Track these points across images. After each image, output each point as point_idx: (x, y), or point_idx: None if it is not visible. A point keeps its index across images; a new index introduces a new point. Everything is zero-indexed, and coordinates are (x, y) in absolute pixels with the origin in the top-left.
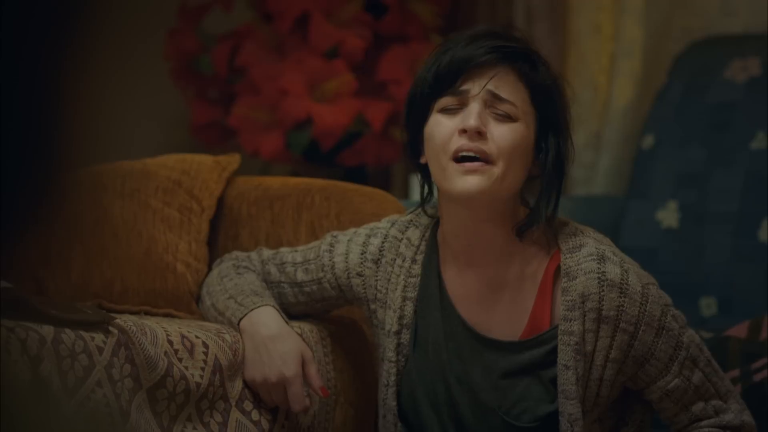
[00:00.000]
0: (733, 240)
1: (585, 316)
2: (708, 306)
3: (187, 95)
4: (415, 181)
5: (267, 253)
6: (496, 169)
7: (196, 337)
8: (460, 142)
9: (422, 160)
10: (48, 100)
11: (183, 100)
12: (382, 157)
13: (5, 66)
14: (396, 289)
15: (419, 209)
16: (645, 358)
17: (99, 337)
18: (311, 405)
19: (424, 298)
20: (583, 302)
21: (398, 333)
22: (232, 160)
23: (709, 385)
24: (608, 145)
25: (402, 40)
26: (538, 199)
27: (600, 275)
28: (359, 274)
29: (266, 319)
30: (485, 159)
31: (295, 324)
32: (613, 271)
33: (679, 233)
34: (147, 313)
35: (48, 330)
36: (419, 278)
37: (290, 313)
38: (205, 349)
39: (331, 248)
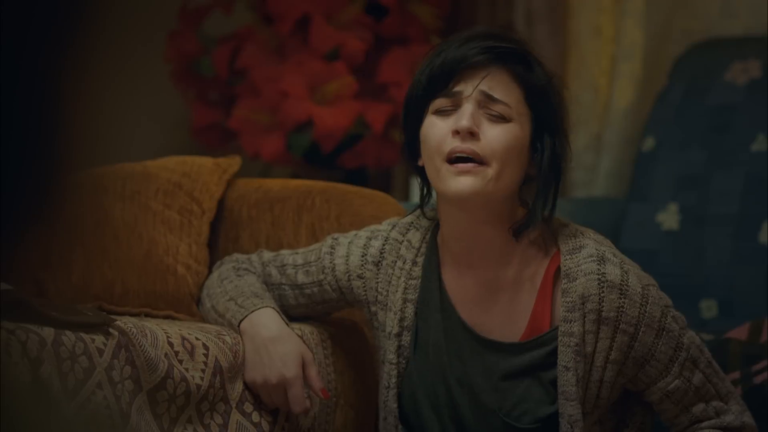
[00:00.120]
0: (734, 242)
1: (585, 317)
2: (708, 308)
3: (188, 97)
4: (416, 184)
5: (267, 255)
6: (490, 170)
7: (197, 338)
8: (453, 144)
9: (420, 163)
10: (49, 101)
11: (183, 102)
12: (383, 160)
13: (6, 67)
14: (397, 291)
15: (419, 211)
16: (645, 359)
17: (99, 339)
18: (312, 407)
19: (425, 300)
20: (583, 303)
21: (399, 335)
22: (233, 163)
23: (709, 386)
24: (609, 148)
25: (402, 42)
26: (534, 199)
27: (600, 276)
28: (360, 277)
29: (267, 321)
30: (478, 160)
31: (296, 326)
32: (613, 272)
33: (680, 235)
34: (147, 315)
35: (48, 332)
36: (420, 280)
37: (291, 315)
38: (205, 351)
39: (332, 250)
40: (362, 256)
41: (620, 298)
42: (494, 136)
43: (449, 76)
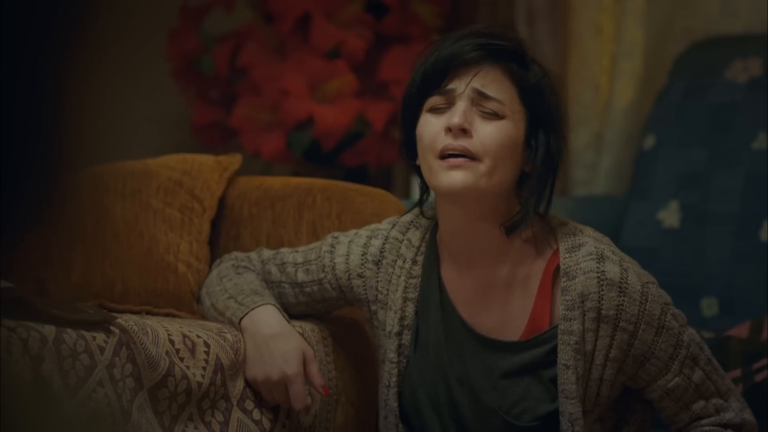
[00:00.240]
0: (734, 240)
1: (585, 315)
2: (709, 306)
3: (189, 96)
4: (417, 181)
5: (267, 253)
6: (482, 166)
7: (198, 336)
8: (445, 141)
9: (418, 162)
10: (49, 100)
11: (184, 101)
12: (384, 157)
13: (7, 66)
14: (397, 290)
15: (418, 210)
16: (645, 357)
17: (100, 336)
18: (312, 404)
19: (425, 299)
20: (582, 302)
21: (399, 334)
22: (234, 161)
23: (709, 383)
24: (609, 146)
25: (403, 40)
26: (528, 196)
27: (599, 274)
28: (360, 276)
29: (267, 318)
30: (470, 156)
31: (297, 323)
32: (612, 270)
33: (681, 233)
34: (148, 313)
35: (49, 330)
36: (420, 279)
37: (291, 313)
38: (206, 349)
39: (332, 249)
40: (362, 255)
41: (620, 296)
42: (486, 133)
43: (443, 73)
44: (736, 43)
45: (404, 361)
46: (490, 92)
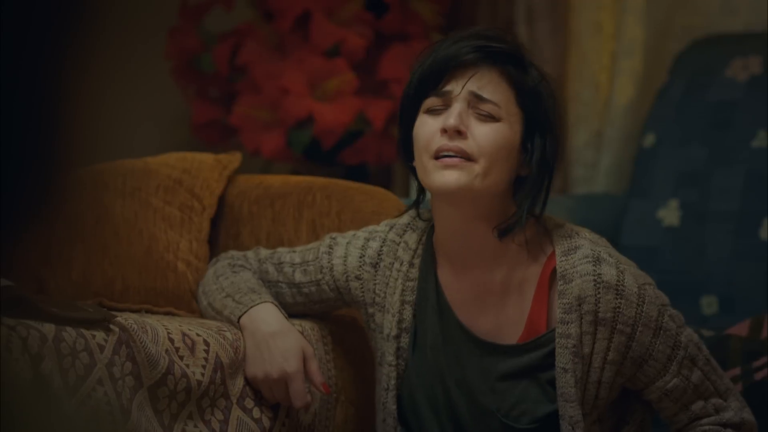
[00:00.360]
0: (734, 238)
1: (582, 318)
2: (709, 304)
3: (188, 94)
4: (414, 182)
5: (264, 252)
6: (477, 166)
7: (197, 334)
8: (441, 142)
9: (414, 163)
10: (49, 98)
11: (184, 99)
12: (383, 156)
13: (6, 65)
14: (394, 293)
15: (415, 211)
16: (643, 358)
17: (100, 335)
18: (312, 402)
19: (422, 301)
20: (579, 305)
21: (398, 337)
22: (233, 159)
23: (708, 383)
24: (609, 144)
25: (403, 38)
26: (522, 199)
27: (596, 277)
28: (358, 278)
29: (266, 316)
30: (465, 157)
31: (296, 321)
32: (608, 272)
33: (680, 232)
34: (148, 312)
35: (49, 328)
36: (417, 282)
37: (288, 313)
38: (206, 347)
39: (330, 250)
40: (360, 257)
41: (616, 299)
42: (482, 134)
43: (440, 75)
44: (736, 41)
45: (402, 364)
46: (486, 94)
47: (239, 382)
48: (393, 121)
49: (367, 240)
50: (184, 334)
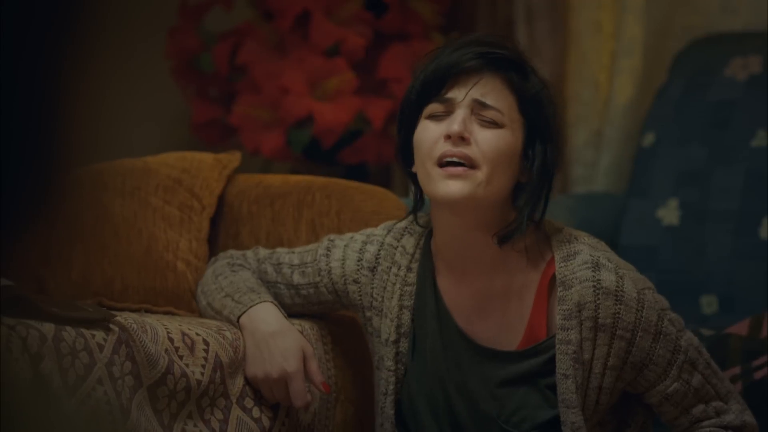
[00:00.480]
0: (734, 238)
1: (582, 324)
2: (709, 304)
3: (188, 93)
4: (411, 189)
5: (263, 252)
6: (480, 174)
7: (197, 334)
8: (444, 148)
9: (413, 169)
10: (48, 98)
11: (183, 99)
12: (383, 155)
13: (6, 65)
14: (392, 297)
15: (412, 216)
16: (643, 363)
17: (100, 334)
18: (312, 401)
19: (421, 307)
20: (579, 311)
21: (396, 342)
22: (233, 158)
23: (708, 387)
24: (609, 143)
25: (403, 38)
26: (522, 206)
27: (595, 283)
28: (355, 281)
29: (266, 316)
30: (469, 164)
31: (295, 321)
32: (608, 278)
33: (680, 231)
34: (147, 311)
35: (49, 328)
36: (415, 287)
37: (287, 313)
38: (205, 347)
39: (328, 253)
40: (358, 261)
41: (616, 305)
42: (485, 140)
43: (442, 81)
44: (736, 40)
45: (402, 368)
46: (489, 101)
47: (239, 381)
48: (392, 121)
49: (365, 243)
50: (183, 334)
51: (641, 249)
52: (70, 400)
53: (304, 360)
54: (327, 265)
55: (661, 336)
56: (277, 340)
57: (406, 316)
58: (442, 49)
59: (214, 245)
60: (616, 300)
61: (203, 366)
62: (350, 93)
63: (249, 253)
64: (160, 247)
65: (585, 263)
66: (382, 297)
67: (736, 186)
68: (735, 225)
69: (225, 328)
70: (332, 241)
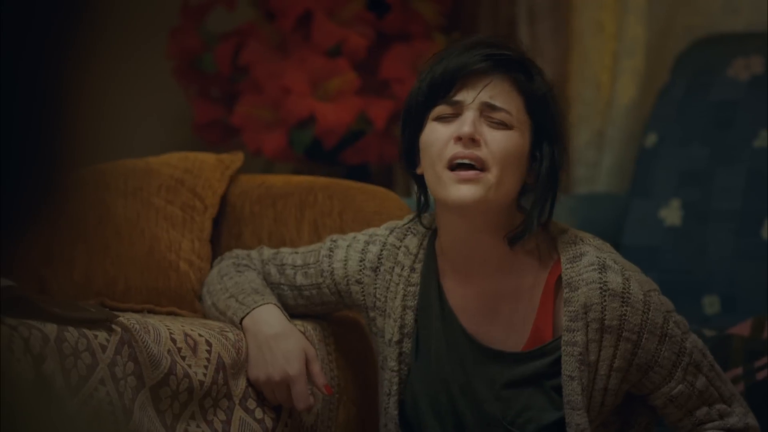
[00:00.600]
0: (736, 238)
1: (588, 326)
2: (711, 304)
3: (190, 94)
4: (414, 191)
5: (268, 252)
6: (491, 176)
7: (200, 335)
8: (455, 150)
9: (418, 171)
10: (51, 98)
11: (185, 99)
12: (385, 156)
13: (8, 65)
14: (395, 297)
15: (414, 214)
16: (649, 365)
17: (102, 335)
18: (315, 403)
19: (424, 307)
20: (585, 313)
21: (399, 342)
22: (235, 159)
23: (712, 389)
24: (611, 144)
25: (405, 38)
26: (531, 208)
27: (602, 285)
28: (358, 282)
29: (268, 318)
30: (480, 166)
31: (298, 322)
32: (614, 280)
33: (682, 231)
34: (150, 312)
35: (51, 328)
36: (418, 287)
37: (290, 314)
38: (208, 348)
39: (331, 253)
40: (360, 261)
41: (622, 306)
42: (495, 141)
43: (450, 83)
44: (738, 40)
45: (405, 369)
46: (498, 103)
47: (242, 382)
48: (394, 121)
49: (368, 243)
50: (186, 335)
51: (643, 249)
52: (73, 400)
53: (307, 362)
54: (329, 266)
55: (667, 338)
56: (279, 343)
57: (410, 317)
58: (448, 50)
59: (217, 245)
60: (623, 302)
61: (206, 367)
62: (352, 93)
63: (254, 254)
64: (162, 247)
65: (591, 265)
66: (385, 297)
67: (738, 186)
68: (737, 225)
69: (228, 329)
70: (335, 241)
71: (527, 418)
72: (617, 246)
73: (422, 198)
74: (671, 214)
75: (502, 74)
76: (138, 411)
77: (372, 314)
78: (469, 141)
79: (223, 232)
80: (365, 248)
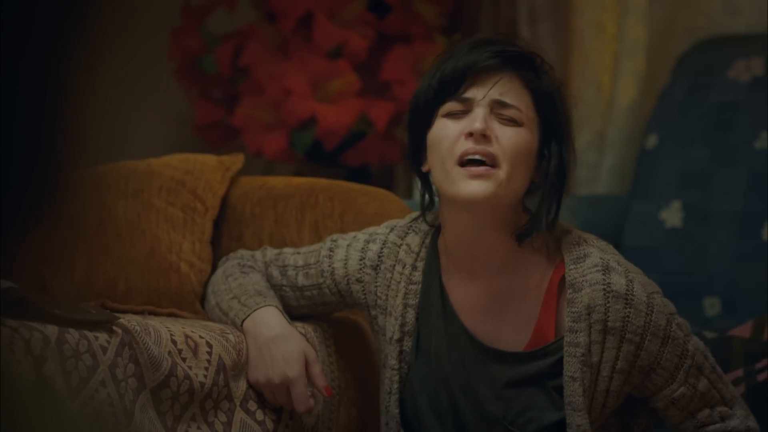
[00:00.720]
0: (737, 239)
1: (591, 327)
2: (711, 306)
3: (191, 95)
4: (418, 187)
5: (270, 254)
6: (501, 172)
7: (200, 337)
8: (466, 146)
9: (424, 168)
10: (52, 99)
11: (186, 100)
12: (386, 157)
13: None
14: (397, 296)
15: (415, 213)
16: (651, 367)
17: (103, 336)
18: (315, 405)
19: (426, 305)
20: (588, 314)
21: (400, 340)
22: (236, 160)
23: (714, 392)
24: (612, 145)
25: (405, 39)
26: (539, 206)
27: (605, 287)
28: (359, 281)
29: (268, 320)
30: (491, 162)
31: (299, 324)
32: (618, 282)
33: (683, 233)
34: (151, 313)
35: (52, 330)
36: (420, 285)
37: (293, 315)
38: (209, 349)
39: (331, 253)
40: (360, 260)
41: (626, 308)
42: (506, 137)
43: (460, 80)
44: (739, 42)
45: (405, 367)
46: (508, 100)
47: (242, 384)
48: (395, 123)
49: (367, 242)
50: (186, 336)
51: (644, 250)
52: (73, 402)
53: (307, 364)
54: (330, 266)
55: (670, 340)
56: (279, 345)
57: (411, 315)
58: (457, 48)
59: (217, 247)
60: (626, 303)
61: (206, 368)
62: (353, 95)
63: (258, 254)
64: (163, 248)
65: (595, 266)
66: (386, 295)
67: (739, 187)
68: (738, 226)
69: (228, 331)
70: (335, 241)
71: (528, 418)
72: (618, 247)
73: (427, 195)
74: (672, 215)
75: (512, 72)
76: (139, 412)
77: (373, 312)
78: (481, 137)
79: (224, 234)
80: (365, 247)
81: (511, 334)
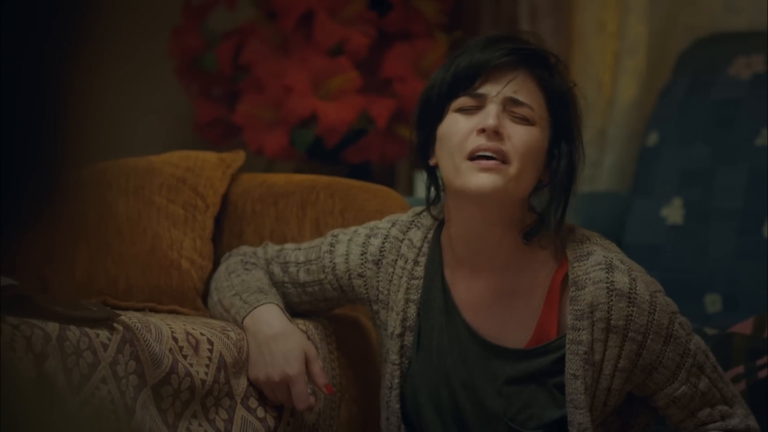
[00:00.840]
0: (738, 237)
1: (593, 325)
2: (713, 303)
3: (192, 93)
4: (420, 178)
5: (272, 250)
6: (511, 169)
7: (201, 334)
8: (477, 142)
9: (432, 162)
10: (52, 97)
11: (187, 98)
12: (387, 154)
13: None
14: (398, 290)
15: (417, 208)
16: (653, 366)
17: (104, 334)
18: (316, 402)
19: (427, 301)
20: (591, 312)
21: (401, 335)
22: (237, 158)
23: (715, 390)
24: (613, 143)
25: (406, 37)
26: (548, 205)
27: (609, 285)
28: (360, 275)
29: (269, 318)
30: (502, 158)
31: (300, 322)
32: (621, 280)
33: (684, 230)
34: (152, 310)
35: (53, 327)
36: (422, 280)
37: (296, 311)
38: (209, 347)
39: (332, 248)
40: (362, 255)
41: (629, 307)
42: (517, 135)
43: (474, 76)
44: (739, 39)
45: (406, 362)
46: (522, 98)
47: (243, 381)
48: (396, 120)
49: (369, 237)
50: (187, 333)
51: (645, 248)
52: (74, 399)
53: (307, 362)
54: (331, 261)
55: (672, 339)
56: (278, 343)
57: (412, 310)
58: (472, 44)
59: (218, 244)
60: (629, 302)
61: (207, 366)
62: (354, 92)
63: (259, 251)
64: (164, 245)
65: (598, 264)
66: (388, 290)
67: (740, 185)
68: (738, 224)
69: (229, 329)
70: (336, 236)
71: (529, 415)
72: (619, 245)
73: (433, 190)
74: (673, 212)
75: (526, 70)
76: (140, 409)
77: (375, 307)
78: (493, 134)
79: (225, 231)
80: (366, 241)
81: (513, 331)
